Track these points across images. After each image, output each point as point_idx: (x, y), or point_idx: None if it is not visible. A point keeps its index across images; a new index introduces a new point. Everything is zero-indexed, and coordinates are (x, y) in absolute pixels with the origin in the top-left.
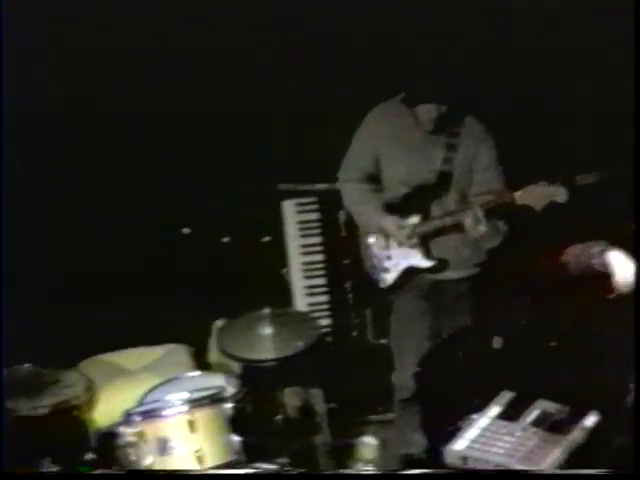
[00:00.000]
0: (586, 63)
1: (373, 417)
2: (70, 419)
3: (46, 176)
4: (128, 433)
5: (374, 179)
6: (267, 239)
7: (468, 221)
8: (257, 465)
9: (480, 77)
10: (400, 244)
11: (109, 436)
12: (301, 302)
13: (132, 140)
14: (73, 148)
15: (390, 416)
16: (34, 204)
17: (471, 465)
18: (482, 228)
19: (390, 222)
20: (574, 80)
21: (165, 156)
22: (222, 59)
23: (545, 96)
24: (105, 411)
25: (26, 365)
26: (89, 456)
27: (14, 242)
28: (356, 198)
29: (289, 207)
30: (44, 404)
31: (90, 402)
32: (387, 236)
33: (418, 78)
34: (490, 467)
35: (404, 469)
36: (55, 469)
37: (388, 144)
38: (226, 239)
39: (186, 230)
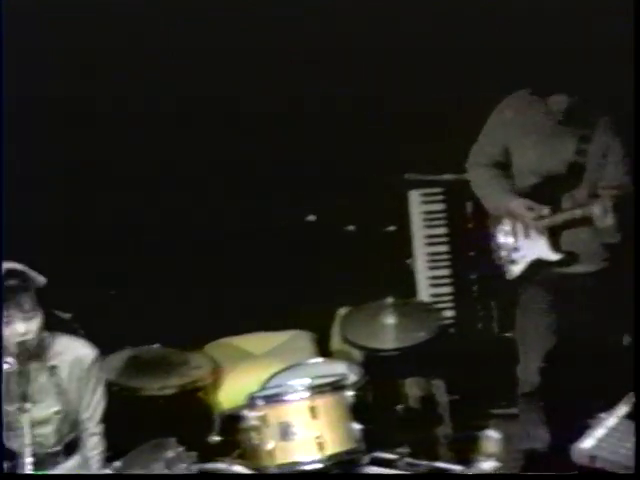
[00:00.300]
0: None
1: (496, 410)
2: (195, 400)
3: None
4: (251, 417)
5: (503, 167)
6: (392, 228)
7: (595, 212)
8: (377, 454)
9: (608, 68)
10: (528, 229)
11: (233, 419)
12: (425, 293)
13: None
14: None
15: (514, 410)
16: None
17: (599, 464)
18: (608, 220)
19: (519, 204)
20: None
21: (296, 144)
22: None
23: None
24: (229, 394)
25: (155, 345)
26: (213, 438)
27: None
28: (484, 181)
29: (415, 197)
30: (171, 384)
31: (215, 384)
32: (515, 227)
33: (550, 69)
34: (618, 468)
35: (527, 464)
36: (181, 449)
37: (518, 133)
38: (351, 227)
39: (311, 217)
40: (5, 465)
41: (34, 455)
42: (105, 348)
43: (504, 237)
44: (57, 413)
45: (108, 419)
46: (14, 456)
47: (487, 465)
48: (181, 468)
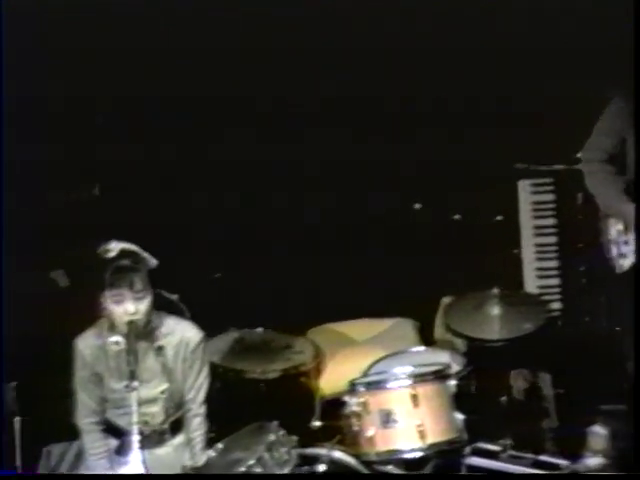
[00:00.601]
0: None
1: (604, 406)
2: (297, 385)
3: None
4: (352, 403)
5: (617, 161)
6: (499, 218)
7: None
8: (479, 445)
9: None
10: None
11: (334, 404)
12: (532, 284)
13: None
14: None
15: (622, 407)
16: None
17: None
18: None
19: (630, 209)
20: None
21: (405, 132)
22: None
23: None
24: (330, 379)
25: (258, 329)
26: (314, 423)
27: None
28: (598, 179)
29: (524, 187)
30: (274, 368)
31: (317, 369)
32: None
33: None
34: None
35: (635, 462)
36: (282, 433)
37: (634, 123)
38: (457, 216)
39: (417, 206)
40: (112, 442)
41: (141, 433)
42: (210, 330)
43: (614, 230)
44: (163, 393)
45: (211, 400)
46: (122, 433)
47: (593, 461)
48: (281, 452)
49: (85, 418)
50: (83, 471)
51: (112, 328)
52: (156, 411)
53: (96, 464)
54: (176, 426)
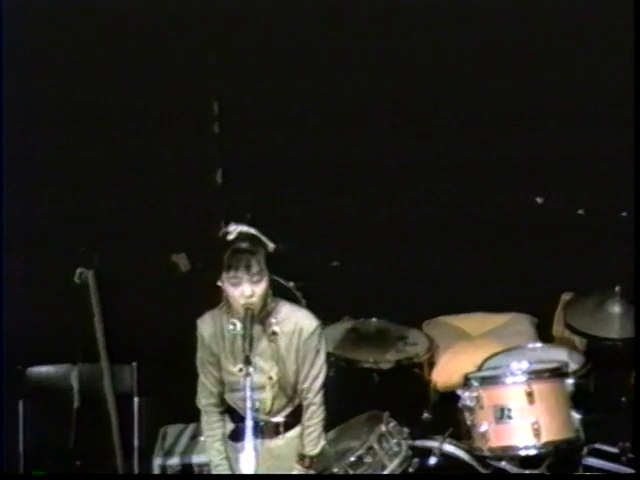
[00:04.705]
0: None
1: None
2: (410, 376)
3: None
4: (466, 397)
5: None
6: (624, 214)
7: None
8: (597, 446)
9: None
10: None
11: (447, 398)
12: None
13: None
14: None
15: None
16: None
17: None
18: None
19: None
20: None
21: (520, 124)
22: None
23: None
24: (443, 372)
25: (374, 319)
26: (426, 415)
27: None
28: None
29: None
30: (388, 359)
31: (430, 362)
32: None
33: None
34: None
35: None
36: (393, 424)
37: None
38: (581, 211)
39: (539, 199)
40: (229, 426)
41: (256, 421)
42: (324, 318)
43: None
44: (271, 379)
45: (324, 389)
46: (239, 418)
47: None
48: (392, 443)
49: (204, 399)
50: (197, 453)
51: (230, 311)
52: (264, 398)
53: (211, 446)
54: (291, 420)
